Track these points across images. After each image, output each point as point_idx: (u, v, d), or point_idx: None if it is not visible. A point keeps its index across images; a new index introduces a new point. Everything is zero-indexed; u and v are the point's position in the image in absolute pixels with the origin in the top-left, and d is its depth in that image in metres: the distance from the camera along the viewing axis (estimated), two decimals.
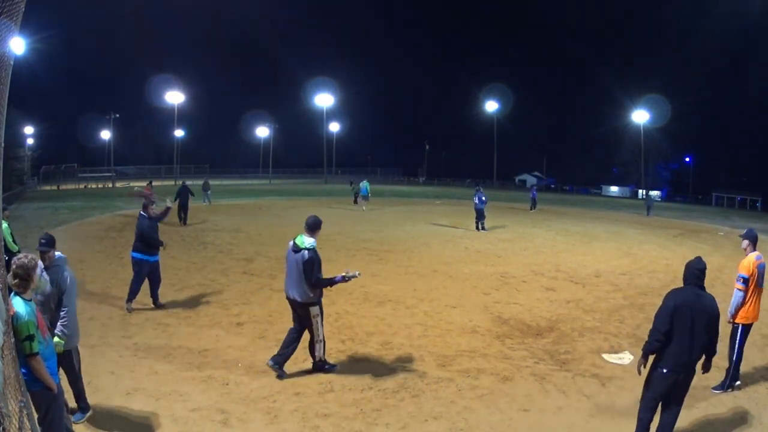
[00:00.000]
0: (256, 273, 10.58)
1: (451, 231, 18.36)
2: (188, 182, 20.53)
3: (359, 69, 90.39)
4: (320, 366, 5.66)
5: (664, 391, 4.06)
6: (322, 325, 5.62)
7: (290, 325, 7.22)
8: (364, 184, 26.79)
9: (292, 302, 5.56)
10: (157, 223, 7.97)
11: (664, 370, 4.03)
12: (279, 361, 5.52)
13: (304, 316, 5.55)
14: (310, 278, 5.33)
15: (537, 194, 30.37)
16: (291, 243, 5.54)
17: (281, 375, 5.49)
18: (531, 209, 28.51)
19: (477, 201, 18.27)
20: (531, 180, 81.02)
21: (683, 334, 3.95)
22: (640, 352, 4.22)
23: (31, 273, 3.46)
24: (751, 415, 4.92)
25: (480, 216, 18.34)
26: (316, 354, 5.63)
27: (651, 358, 4.16)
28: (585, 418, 4.80)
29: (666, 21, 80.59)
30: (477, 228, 18.33)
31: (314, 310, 5.51)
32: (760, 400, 5.27)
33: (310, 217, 5.58)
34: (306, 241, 5.42)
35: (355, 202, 27.78)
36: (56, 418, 3.54)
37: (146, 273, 7.74)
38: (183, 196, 18.34)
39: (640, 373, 4.19)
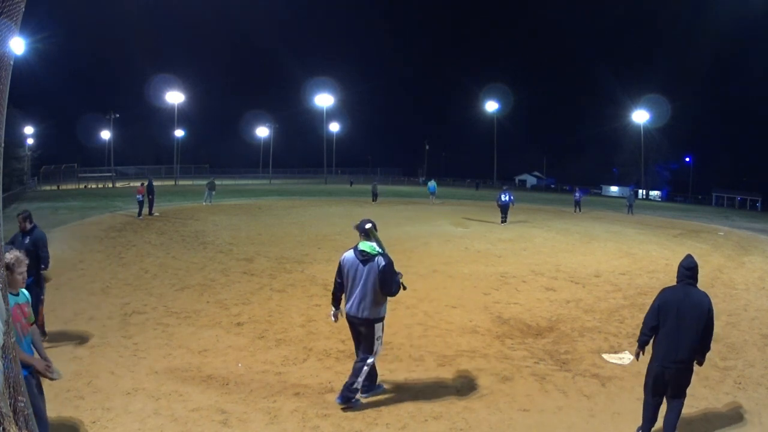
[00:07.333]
0: (256, 273, 10.58)
1: (451, 231, 18.36)
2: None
3: (359, 69, 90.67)
4: (354, 392, 4.83)
5: (659, 384, 4.20)
6: (381, 345, 5.00)
7: (290, 324, 7.32)
8: (432, 183, 32.20)
9: (358, 320, 4.82)
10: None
11: (655, 365, 4.22)
12: (348, 397, 4.77)
13: (367, 335, 4.84)
14: (392, 286, 4.75)
15: (581, 196, 30.13)
16: (351, 253, 4.85)
17: (356, 403, 4.81)
18: (575, 211, 29.10)
19: (507, 198, 20.83)
20: (531, 180, 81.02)
21: (670, 330, 4.14)
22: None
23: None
24: (751, 415, 4.92)
25: (504, 211, 20.90)
26: (362, 374, 4.83)
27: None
28: (585, 418, 4.80)
29: (666, 21, 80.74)
30: (503, 221, 20.75)
31: (379, 328, 4.86)
32: (760, 400, 5.26)
33: (360, 222, 4.95)
34: (374, 246, 4.82)
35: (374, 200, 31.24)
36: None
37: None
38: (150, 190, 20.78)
39: (638, 358, 4.49)
